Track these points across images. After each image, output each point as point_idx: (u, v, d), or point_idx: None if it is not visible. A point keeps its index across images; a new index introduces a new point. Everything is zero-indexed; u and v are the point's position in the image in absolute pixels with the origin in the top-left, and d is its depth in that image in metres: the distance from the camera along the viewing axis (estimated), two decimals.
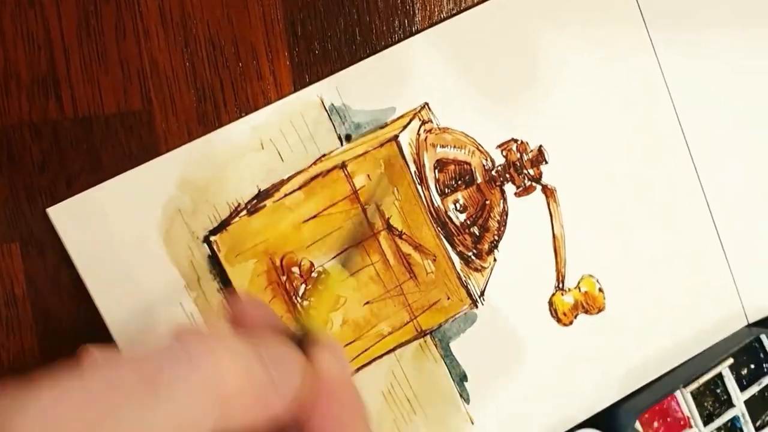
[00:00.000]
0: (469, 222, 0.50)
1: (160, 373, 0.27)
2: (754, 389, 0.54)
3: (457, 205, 0.50)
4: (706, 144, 0.54)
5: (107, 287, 0.46)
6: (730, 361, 0.53)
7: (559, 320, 0.52)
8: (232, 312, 0.36)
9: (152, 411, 0.27)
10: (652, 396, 0.53)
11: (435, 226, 0.50)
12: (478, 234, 0.51)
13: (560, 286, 0.52)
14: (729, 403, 0.53)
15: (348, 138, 0.49)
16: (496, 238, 0.51)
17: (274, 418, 0.31)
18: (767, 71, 0.56)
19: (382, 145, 0.49)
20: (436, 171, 0.50)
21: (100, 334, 0.46)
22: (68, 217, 0.45)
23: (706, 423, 0.53)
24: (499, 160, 0.51)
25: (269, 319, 0.36)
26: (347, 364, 0.34)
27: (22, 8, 0.45)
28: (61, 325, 0.46)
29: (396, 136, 0.49)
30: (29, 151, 0.45)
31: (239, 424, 0.30)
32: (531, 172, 0.51)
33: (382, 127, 0.49)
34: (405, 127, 0.49)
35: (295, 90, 0.49)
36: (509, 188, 0.51)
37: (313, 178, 0.48)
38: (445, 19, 0.51)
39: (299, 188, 0.48)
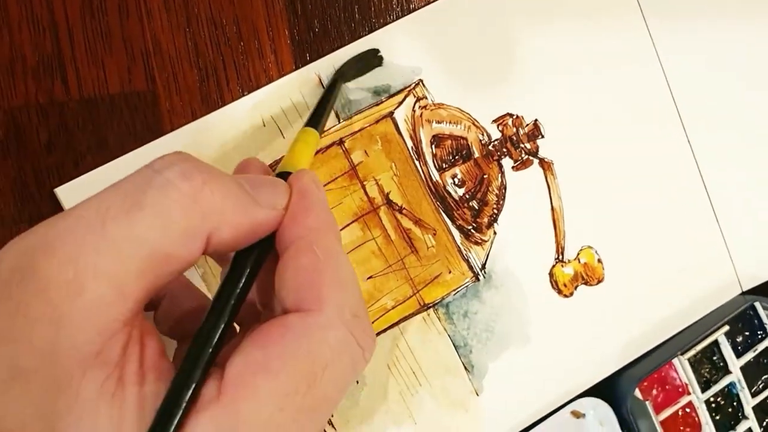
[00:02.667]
0: (467, 196, 0.51)
1: (141, 192, 0.28)
2: (749, 356, 0.55)
3: (456, 180, 0.51)
4: (699, 115, 0.56)
5: None
6: (726, 328, 0.54)
7: (559, 291, 0.53)
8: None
9: (138, 223, 0.28)
10: (651, 364, 0.54)
11: (434, 200, 0.51)
12: (477, 208, 0.51)
13: (560, 257, 0.53)
14: (725, 370, 0.54)
15: (338, 116, 0.50)
16: (495, 211, 0.52)
17: (258, 228, 0.32)
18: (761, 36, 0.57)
19: (377, 121, 0.50)
20: (433, 146, 0.51)
21: None
22: (76, 197, 0.46)
23: (703, 389, 0.54)
24: (496, 135, 0.52)
25: (260, 167, 0.38)
26: (322, 187, 0.36)
27: None
28: None
29: (391, 113, 0.50)
30: (36, 132, 0.46)
31: (231, 237, 0.31)
32: (528, 145, 0.52)
33: (378, 104, 0.50)
34: (400, 103, 0.50)
35: (296, 68, 0.49)
36: (507, 162, 0.52)
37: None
38: None
39: None
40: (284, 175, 0.36)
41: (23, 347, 0.26)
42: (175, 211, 0.28)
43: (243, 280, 0.32)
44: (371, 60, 0.50)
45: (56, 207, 0.46)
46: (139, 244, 0.28)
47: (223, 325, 0.30)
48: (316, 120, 0.44)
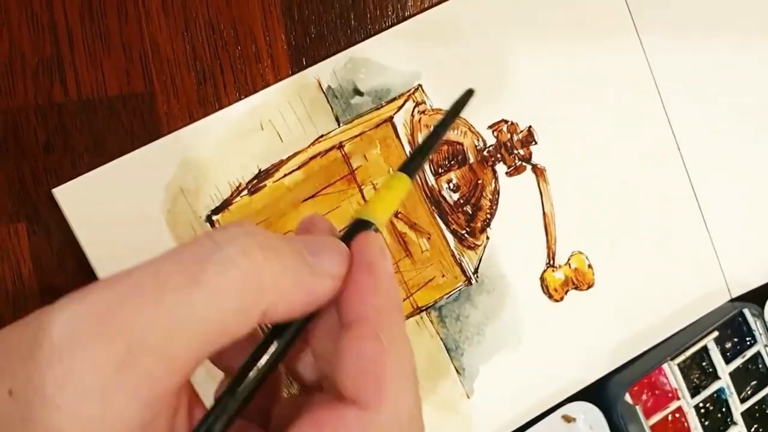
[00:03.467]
0: (462, 201, 0.52)
1: (200, 266, 0.28)
2: (738, 362, 0.55)
3: (451, 185, 0.52)
4: (689, 122, 0.56)
5: (112, 266, 0.46)
6: (715, 334, 0.55)
7: (550, 296, 0.54)
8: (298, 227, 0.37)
9: (196, 299, 0.27)
10: (641, 369, 0.54)
11: (429, 205, 0.51)
12: (471, 212, 0.52)
13: (551, 262, 0.54)
14: (714, 376, 0.55)
15: (338, 120, 0.50)
16: (489, 216, 0.53)
17: (318, 301, 0.31)
18: (751, 49, 0.58)
19: (377, 126, 0.50)
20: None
21: None
22: (73, 198, 0.46)
23: (693, 395, 0.54)
24: (491, 140, 0.53)
25: (325, 225, 0.36)
26: (389, 255, 0.34)
27: None
28: None
29: (391, 117, 0.50)
30: (34, 132, 0.46)
31: (285, 312, 0.30)
32: (521, 152, 0.53)
33: (377, 108, 0.51)
34: (399, 108, 0.51)
35: (293, 73, 0.50)
36: (500, 168, 0.53)
37: (311, 158, 0.49)
38: (436, 4, 0.52)
39: (298, 168, 0.49)
40: (362, 223, 0.35)
41: (69, 418, 0.26)
42: (234, 290, 0.28)
43: (274, 352, 0.31)
44: (466, 98, 0.50)
45: (54, 207, 0.46)
46: (195, 320, 0.27)
47: (239, 404, 0.30)
48: (411, 167, 0.40)
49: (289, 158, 0.49)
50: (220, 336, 0.28)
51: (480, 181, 0.52)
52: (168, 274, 0.27)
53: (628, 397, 0.53)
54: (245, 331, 0.29)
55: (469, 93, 0.46)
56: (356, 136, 0.50)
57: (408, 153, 0.51)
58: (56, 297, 0.45)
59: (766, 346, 0.56)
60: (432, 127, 0.48)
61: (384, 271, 0.33)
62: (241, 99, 0.49)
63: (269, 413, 0.34)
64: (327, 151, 0.50)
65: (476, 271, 0.52)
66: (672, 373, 0.54)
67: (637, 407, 0.53)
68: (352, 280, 0.32)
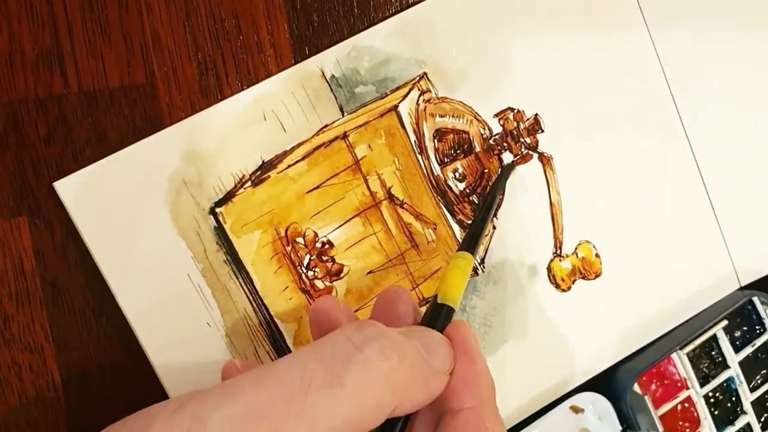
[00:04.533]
0: (468, 190, 0.51)
1: (342, 367, 0.30)
2: (747, 350, 0.55)
3: (457, 174, 0.51)
4: (697, 110, 0.56)
5: (115, 259, 0.46)
6: (724, 323, 0.54)
7: (557, 286, 0.53)
8: (377, 310, 0.40)
9: (339, 399, 0.30)
10: (649, 358, 0.54)
11: (435, 195, 0.51)
12: (477, 202, 0.51)
13: (558, 252, 0.53)
14: (724, 365, 0.55)
15: (342, 109, 0.50)
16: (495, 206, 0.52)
17: (434, 396, 0.35)
18: (760, 38, 0.57)
19: (382, 115, 0.50)
20: (435, 140, 0.51)
21: (109, 306, 0.47)
22: (75, 191, 0.46)
23: (702, 384, 0.54)
24: (497, 129, 0.52)
25: (408, 309, 0.40)
26: (476, 337, 0.38)
27: None
28: (70, 297, 0.46)
29: (396, 106, 0.50)
30: (35, 125, 0.46)
31: (408, 408, 0.33)
32: (527, 140, 0.52)
33: (382, 97, 0.50)
34: (404, 97, 0.50)
35: (295, 62, 0.49)
36: (507, 157, 0.52)
37: (315, 149, 0.49)
38: None
39: (302, 159, 0.49)
40: (440, 307, 0.39)
41: None
42: (373, 390, 0.31)
43: None
44: (507, 173, 0.51)
45: (55, 201, 0.46)
46: (337, 418, 0.30)
47: None
48: (471, 244, 0.45)
49: (293, 149, 0.49)
50: (355, 429, 0.31)
51: (486, 171, 0.52)
52: (312, 373, 0.30)
53: (636, 387, 0.52)
54: (376, 424, 0.32)
55: (510, 167, 0.48)
56: (361, 126, 0.49)
57: (413, 142, 0.50)
58: (59, 291, 0.45)
59: None
60: (482, 204, 0.49)
61: (482, 360, 0.37)
62: (243, 89, 0.48)
63: None
64: (331, 141, 0.49)
65: (482, 261, 0.52)
66: (681, 363, 0.54)
67: (646, 397, 0.52)
68: (457, 372, 0.36)
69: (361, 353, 0.31)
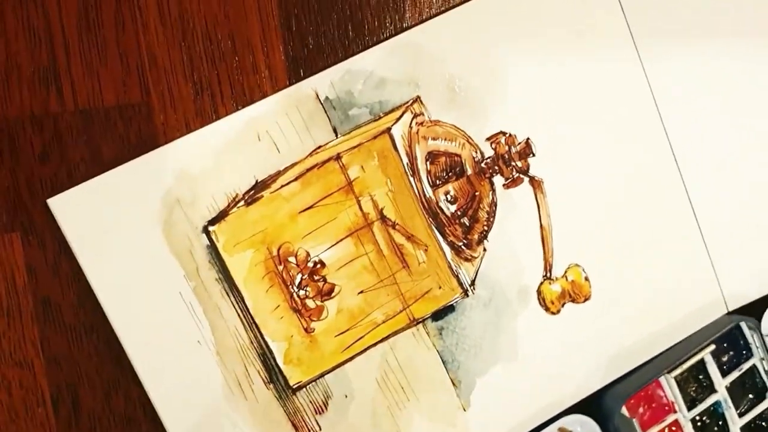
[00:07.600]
0: (459, 213, 0.52)
1: None
2: (734, 375, 0.55)
3: (448, 197, 0.51)
4: (686, 136, 0.56)
5: (107, 276, 0.46)
6: (712, 347, 0.55)
7: (547, 309, 0.53)
8: None
9: None
10: (638, 382, 0.54)
11: (427, 216, 0.51)
12: (468, 224, 0.52)
13: (548, 275, 0.53)
14: (711, 389, 0.55)
15: (335, 131, 0.50)
16: (486, 228, 0.52)
17: None
18: (747, 60, 0.58)
19: (375, 137, 0.50)
20: (428, 163, 0.51)
21: (100, 323, 0.47)
22: (69, 208, 0.46)
23: (689, 408, 0.54)
24: (489, 152, 0.52)
25: None
26: None
27: (23, 1, 0.46)
28: (61, 314, 0.46)
29: (389, 129, 0.50)
30: (30, 142, 0.46)
31: None
32: (519, 164, 0.53)
33: (375, 120, 0.51)
34: (398, 119, 0.50)
35: (290, 84, 0.50)
36: (498, 180, 0.53)
37: (308, 170, 0.49)
38: (434, 16, 0.52)
39: (295, 179, 0.49)
40: None
41: None
42: None
43: None
44: None
45: (49, 217, 0.46)
46: None
47: None
48: None
49: (287, 169, 0.49)
50: None
51: (477, 193, 0.52)
52: None
53: (624, 410, 0.53)
54: None
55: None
56: (354, 148, 0.50)
57: (405, 165, 0.50)
58: (50, 308, 0.46)
59: (762, 359, 0.55)
60: None
61: None
62: (238, 110, 0.49)
63: None
64: (324, 162, 0.49)
65: (473, 283, 0.52)
66: (669, 386, 0.54)
67: (634, 420, 0.52)
68: None
69: None
